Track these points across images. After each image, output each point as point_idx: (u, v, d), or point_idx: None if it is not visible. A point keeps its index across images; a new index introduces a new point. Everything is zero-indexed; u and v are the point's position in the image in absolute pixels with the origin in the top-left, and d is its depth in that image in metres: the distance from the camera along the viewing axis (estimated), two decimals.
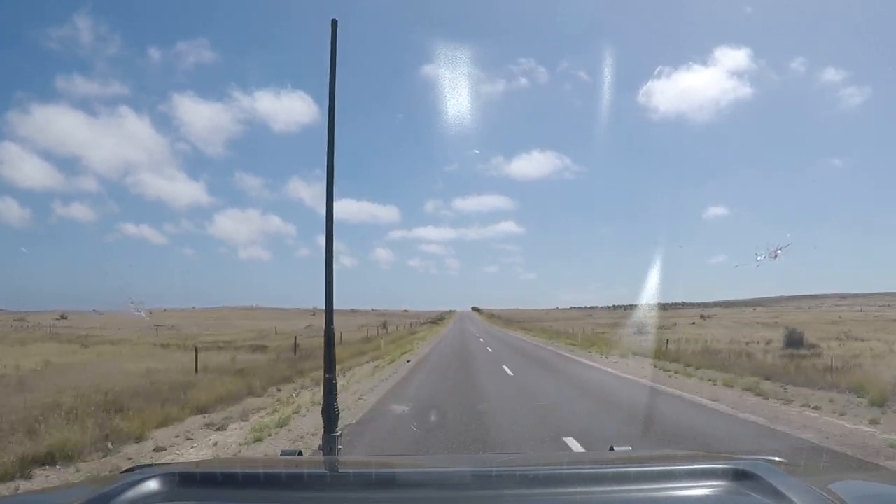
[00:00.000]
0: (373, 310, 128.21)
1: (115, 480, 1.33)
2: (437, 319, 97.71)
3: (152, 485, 1.29)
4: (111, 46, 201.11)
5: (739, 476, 1.30)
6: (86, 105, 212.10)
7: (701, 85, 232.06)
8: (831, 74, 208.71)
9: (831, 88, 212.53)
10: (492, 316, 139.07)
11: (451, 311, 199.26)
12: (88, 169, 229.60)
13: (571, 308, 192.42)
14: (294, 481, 1.42)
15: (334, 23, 3.08)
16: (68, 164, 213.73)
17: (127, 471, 1.51)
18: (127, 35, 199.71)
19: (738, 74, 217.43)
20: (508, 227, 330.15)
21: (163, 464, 1.74)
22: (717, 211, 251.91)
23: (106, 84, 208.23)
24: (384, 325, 49.01)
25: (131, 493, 1.22)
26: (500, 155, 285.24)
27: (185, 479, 1.37)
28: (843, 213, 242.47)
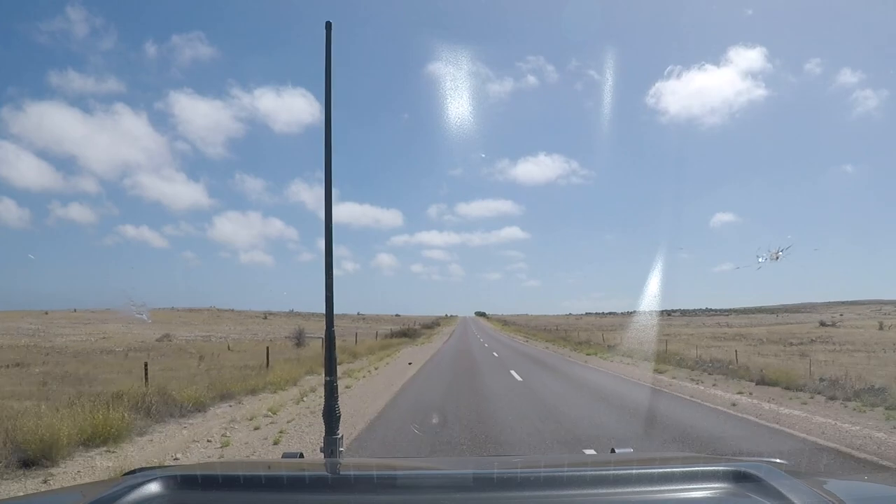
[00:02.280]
0: (359, 314, 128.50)
1: (116, 483, 1.49)
2: (425, 328, 73.83)
3: (153, 487, 1.44)
4: (106, 41, 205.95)
5: (740, 478, 1.46)
6: (81, 102, 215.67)
7: (713, 86, 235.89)
8: (847, 76, 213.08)
9: (846, 91, 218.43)
10: (505, 323, 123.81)
11: (451, 317, 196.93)
12: (85, 168, 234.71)
13: (587, 314, 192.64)
14: (296, 483, 1.57)
15: (328, 25, 3.36)
16: (64, 163, 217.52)
17: (128, 473, 1.65)
18: (123, 29, 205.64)
19: (752, 75, 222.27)
20: (513, 232, 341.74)
21: (164, 466, 1.90)
22: (726, 217, 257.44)
23: (102, 80, 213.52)
24: (297, 340, 31.75)
25: (133, 496, 1.37)
26: (505, 158, 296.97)
27: (187, 482, 1.53)
28: (856, 219, 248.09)
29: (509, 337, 62.46)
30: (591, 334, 47.71)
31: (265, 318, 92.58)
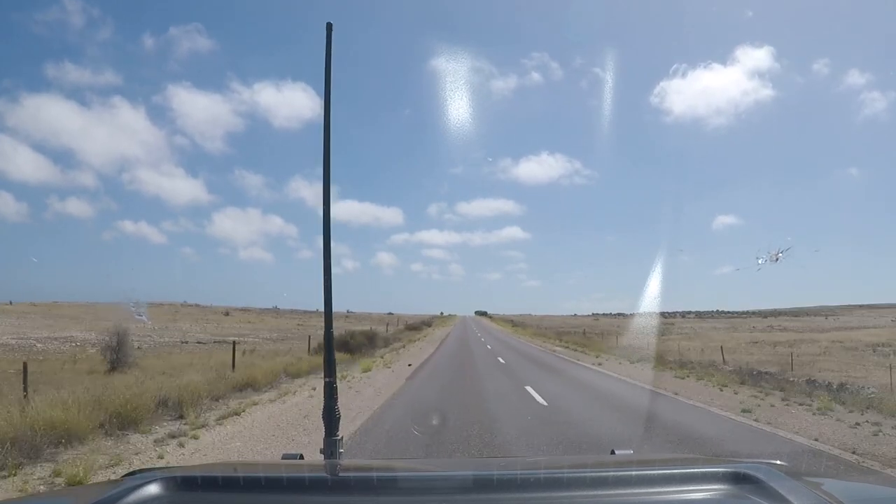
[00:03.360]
0: (348, 312, 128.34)
1: (116, 484, 1.59)
2: (410, 330, 63.16)
3: (153, 489, 1.54)
4: (103, 32, 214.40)
5: (740, 479, 1.56)
6: (78, 95, 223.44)
7: (719, 86, 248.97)
8: (855, 77, 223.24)
9: (854, 92, 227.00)
10: (514, 324, 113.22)
11: (448, 316, 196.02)
12: (83, 163, 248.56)
13: (595, 314, 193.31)
14: (295, 485, 1.68)
15: (329, 26, 3.54)
16: (62, 157, 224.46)
17: (128, 474, 1.76)
18: (120, 20, 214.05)
19: (759, 74, 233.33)
20: (514, 232, 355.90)
21: (164, 467, 2.02)
22: (729, 220, 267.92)
23: (99, 72, 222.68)
24: (114, 356, 17.84)
25: (133, 497, 1.46)
26: (507, 157, 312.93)
27: (187, 483, 1.64)
28: (863, 223, 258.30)
29: (546, 350, 38.76)
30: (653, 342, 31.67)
31: (226, 314, 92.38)
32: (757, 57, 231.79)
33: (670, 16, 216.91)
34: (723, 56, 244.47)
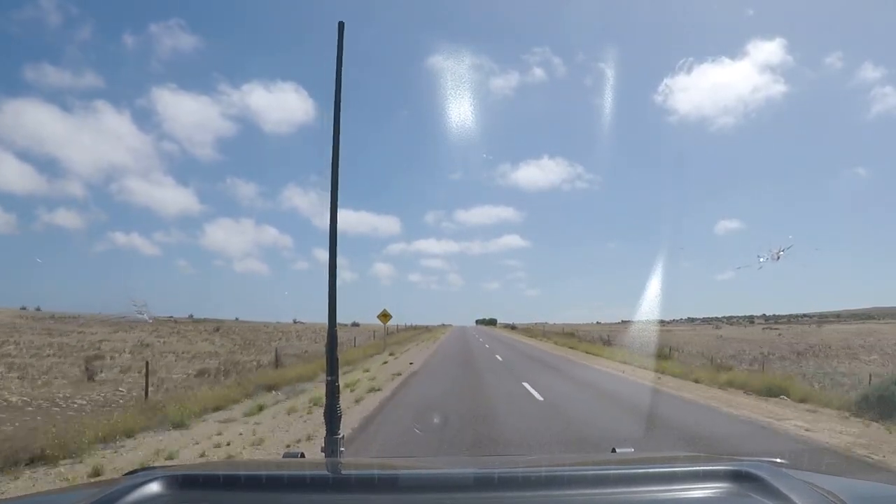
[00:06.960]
0: (295, 321, 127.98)
1: (117, 483, 1.84)
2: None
3: (154, 487, 1.78)
4: (82, 31, 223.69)
5: (741, 477, 1.81)
6: (61, 99, 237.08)
7: (728, 82, 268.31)
8: (868, 71, 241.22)
9: (866, 87, 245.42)
10: (568, 336, 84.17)
11: (432, 328, 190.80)
12: (70, 171, 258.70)
13: (622, 322, 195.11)
14: (297, 483, 1.96)
15: (341, 25, 4.27)
16: (47, 165, 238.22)
17: (130, 473, 2.03)
18: (100, 18, 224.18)
19: (770, 68, 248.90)
20: (513, 240, 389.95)
21: (165, 466, 2.32)
22: (732, 225, 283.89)
23: (79, 75, 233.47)
24: None
25: (134, 496, 1.69)
26: (506, 163, 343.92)
27: (188, 482, 1.89)
28: (875, 224, 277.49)
29: None
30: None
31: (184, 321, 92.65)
32: (768, 50, 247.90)
33: (677, 6, 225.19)
34: (732, 50, 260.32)
